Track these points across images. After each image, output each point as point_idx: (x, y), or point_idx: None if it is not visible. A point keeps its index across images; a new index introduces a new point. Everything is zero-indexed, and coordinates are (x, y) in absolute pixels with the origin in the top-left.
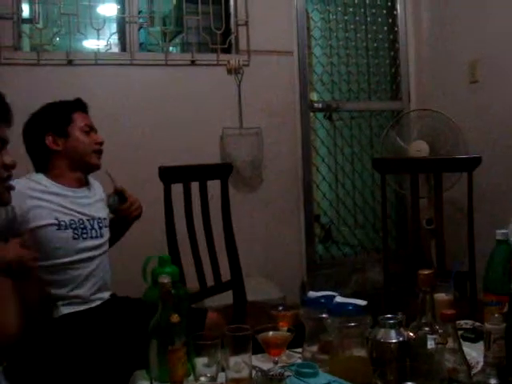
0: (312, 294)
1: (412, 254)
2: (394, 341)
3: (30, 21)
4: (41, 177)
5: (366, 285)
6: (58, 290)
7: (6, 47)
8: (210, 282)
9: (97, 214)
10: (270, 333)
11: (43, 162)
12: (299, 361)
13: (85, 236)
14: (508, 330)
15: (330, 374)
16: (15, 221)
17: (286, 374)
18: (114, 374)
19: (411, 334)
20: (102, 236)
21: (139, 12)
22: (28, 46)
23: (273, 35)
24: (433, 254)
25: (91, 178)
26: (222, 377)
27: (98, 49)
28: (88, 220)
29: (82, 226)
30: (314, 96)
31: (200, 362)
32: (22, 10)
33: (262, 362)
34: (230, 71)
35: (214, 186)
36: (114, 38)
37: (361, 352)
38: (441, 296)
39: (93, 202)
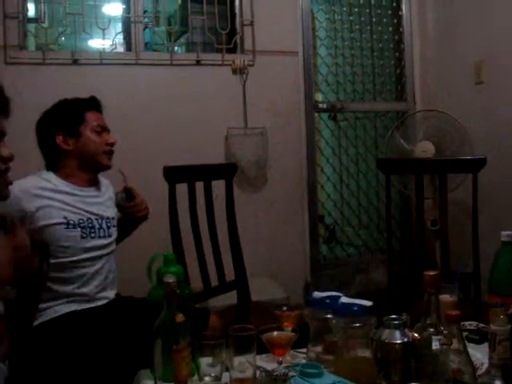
0: (317, 294)
1: (416, 255)
2: (398, 341)
3: (35, 20)
4: (51, 175)
5: (370, 285)
6: (64, 287)
7: (12, 46)
8: (214, 281)
9: (105, 213)
10: (275, 333)
11: (54, 161)
12: (304, 361)
13: (93, 235)
14: None
15: (335, 375)
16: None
17: (291, 374)
18: (118, 372)
19: (416, 334)
20: (109, 235)
21: (144, 12)
22: (33, 46)
23: (278, 35)
24: (437, 255)
25: (101, 177)
26: (226, 377)
27: (104, 48)
28: (96, 219)
29: (90, 225)
30: (319, 96)
31: (204, 361)
32: (27, 10)
33: (266, 362)
34: (235, 71)
35: (218, 186)
36: (120, 38)
37: (365, 353)
38: (445, 297)
39: (102, 201)
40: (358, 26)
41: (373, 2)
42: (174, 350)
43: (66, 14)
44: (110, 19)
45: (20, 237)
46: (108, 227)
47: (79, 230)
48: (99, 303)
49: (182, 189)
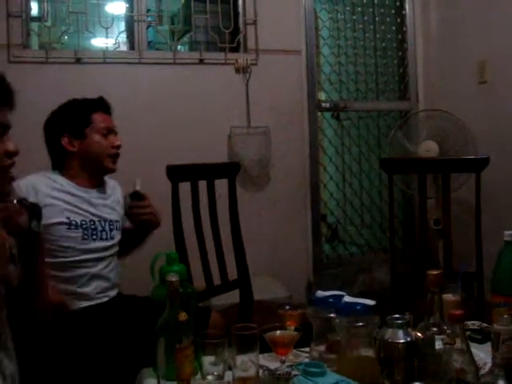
0: (320, 293)
1: (419, 255)
2: (401, 341)
3: (38, 19)
4: (57, 175)
5: (373, 285)
6: (66, 286)
7: (15, 45)
8: (216, 280)
9: (109, 216)
10: (278, 332)
11: (59, 161)
12: (306, 360)
13: (94, 237)
14: None
15: (338, 374)
16: None
17: (294, 373)
18: (121, 371)
19: (419, 334)
20: (112, 238)
21: (148, 10)
22: (37, 44)
23: (281, 34)
24: (440, 255)
25: (110, 180)
26: (228, 375)
27: (107, 47)
28: (99, 221)
29: (92, 226)
30: (322, 95)
31: (207, 360)
32: (30, 9)
33: (269, 361)
34: (238, 70)
35: (221, 185)
36: (123, 37)
37: (368, 352)
38: (448, 297)
39: (106, 203)
40: (361, 26)
41: (376, 2)
42: (177, 348)
43: (69, 13)
44: (113, 18)
45: None
46: (111, 230)
47: (81, 231)
48: (100, 301)
49: (184, 188)
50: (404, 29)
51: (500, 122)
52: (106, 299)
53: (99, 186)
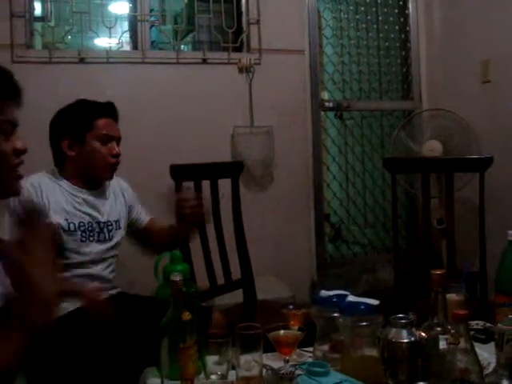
0: (324, 292)
1: (422, 254)
2: (405, 341)
3: (42, 19)
4: (56, 175)
5: (376, 284)
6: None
7: (19, 45)
8: (220, 280)
9: (108, 217)
10: (281, 331)
11: (60, 162)
12: (310, 360)
13: (91, 239)
14: None
15: (342, 373)
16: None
17: (297, 372)
18: (124, 371)
19: (423, 333)
20: (110, 239)
21: (151, 10)
22: (40, 44)
23: (284, 34)
24: (443, 254)
25: (116, 178)
26: (232, 375)
27: (110, 47)
28: (97, 223)
29: (90, 228)
30: (325, 95)
31: (211, 359)
32: (34, 8)
33: (272, 361)
34: (241, 70)
35: (224, 185)
36: (126, 37)
37: (372, 351)
38: (452, 296)
39: (105, 204)
40: (364, 25)
41: (379, 1)
42: (181, 348)
43: (72, 13)
44: (117, 18)
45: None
46: (109, 231)
47: (79, 232)
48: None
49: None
50: (407, 28)
51: (503, 121)
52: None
53: (98, 187)
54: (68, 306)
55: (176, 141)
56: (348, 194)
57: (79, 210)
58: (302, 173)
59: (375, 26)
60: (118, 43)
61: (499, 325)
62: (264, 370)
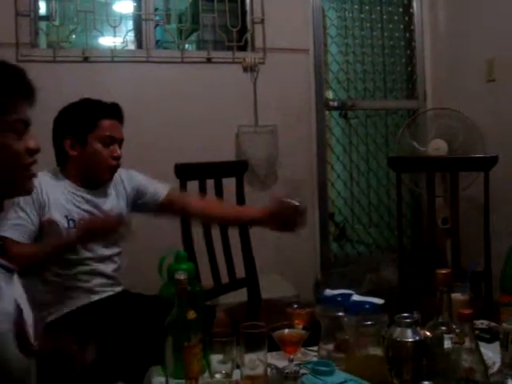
0: (329, 292)
1: (427, 253)
2: (410, 340)
3: (46, 18)
4: (58, 173)
5: (381, 284)
6: (68, 282)
7: (23, 44)
8: (224, 279)
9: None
10: (286, 330)
11: (62, 161)
12: (315, 359)
13: None
14: None
15: (346, 373)
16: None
17: (302, 371)
18: (129, 369)
19: (428, 333)
20: None
21: (155, 9)
22: (45, 43)
23: (289, 33)
24: (448, 254)
25: (122, 170)
26: (237, 374)
27: (115, 46)
28: None
29: None
30: (330, 94)
31: (215, 358)
32: (38, 8)
33: (277, 360)
34: (245, 69)
35: (229, 184)
36: (131, 36)
37: (377, 351)
38: (457, 296)
39: (107, 202)
40: (368, 24)
41: (384, 0)
42: (185, 346)
43: (77, 12)
44: (121, 17)
45: None
46: None
47: None
48: (103, 296)
49: (192, 186)
50: (412, 27)
51: (508, 120)
52: (110, 293)
53: (99, 187)
54: (74, 303)
55: (180, 140)
56: (352, 193)
57: (79, 208)
58: (306, 172)
59: (380, 25)
60: (123, 42)
61: (504, 324)
62: (268, 369)
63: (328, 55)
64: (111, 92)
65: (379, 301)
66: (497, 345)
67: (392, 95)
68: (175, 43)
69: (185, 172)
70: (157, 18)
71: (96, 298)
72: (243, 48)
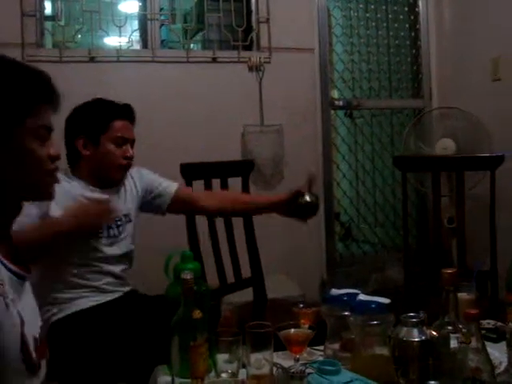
0: (334, 291)
1: (433, 253)
2: (416, 339)
3: (52, 18)
4: (68, 173)
5: (386, 283)
6: (77, 280)
7: (29, 44)
8: (230, 278)
9: (119, 213)
10: (292, 330)
11: (73, 160)
12: (321, 358)
13: (100, 235)
14: None
15: (352, 372)
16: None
17: (308, 371)
18: (135, 369)
19: (434, 332)
20: (120, 234)
21: (161, 9)
22: (50, 43)
23: (294, 32)
24: (454, 253)
25: (133, 169)
26: (243, 373)
27: (120, 46)
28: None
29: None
30: (335, 93)
31: (221, 358)
32: (44, 8)
33: (283, 359)
34: (251, 68)
35: (235, 183)
36: (136, 35)
37: (383, 350)
38: (463, 295)
39: (118, 201)
40: (374, 23)
41: None
42: (191, 346)
43: (82, 12)
44: (127, 17)
45: None
46: (118, 226)
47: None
48: (117, 295)
49: (198, 186)
50: (417, 26)
51: None
52: (119, 294)
53: (111, 186)
54: (81, 303)
55: (186, 139)
56: (358, 192)
57: None
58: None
59: (385, 24)
60: (128, 42)
61: (510, 324)
62: (274, 369)
63: (333, 54)
64: (117, 92)
65: (385, 300)
66: (503, 344)
67: (397, 94)
68: (180, 43)
69: (190, 172)
70: (162, 17)
71: (108, 298)
72: (249, 47)
